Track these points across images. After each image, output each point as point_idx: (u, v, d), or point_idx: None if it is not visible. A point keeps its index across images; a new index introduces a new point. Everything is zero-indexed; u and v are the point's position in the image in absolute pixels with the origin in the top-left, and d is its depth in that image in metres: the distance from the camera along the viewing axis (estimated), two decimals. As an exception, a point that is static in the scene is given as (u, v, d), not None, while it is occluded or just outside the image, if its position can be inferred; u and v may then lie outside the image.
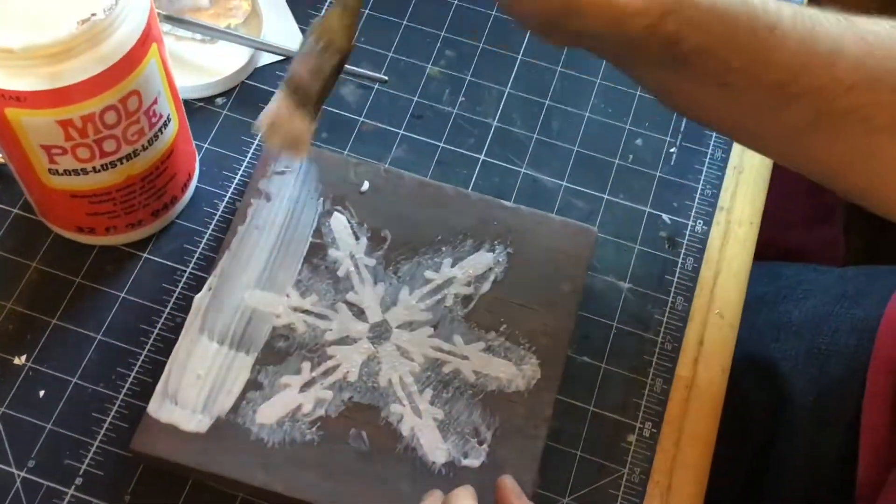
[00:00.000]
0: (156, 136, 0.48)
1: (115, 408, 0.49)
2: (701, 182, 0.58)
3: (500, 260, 0.53)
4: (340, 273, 0.52)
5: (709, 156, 0.59)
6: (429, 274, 0.52)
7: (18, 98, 0.42)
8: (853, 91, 0.39)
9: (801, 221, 0.77)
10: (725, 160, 0.58)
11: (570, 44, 0.42)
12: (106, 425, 0.49)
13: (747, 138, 0.46)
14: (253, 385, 0.49)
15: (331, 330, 0.50)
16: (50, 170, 0.47)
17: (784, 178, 0.60)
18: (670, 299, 0.54)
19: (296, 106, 0.44)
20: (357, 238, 0.53)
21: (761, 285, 0.62)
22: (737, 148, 0.59)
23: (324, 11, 0.45)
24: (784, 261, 0.69)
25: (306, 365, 0.49)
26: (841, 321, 0.58)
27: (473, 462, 0.48)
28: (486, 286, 0.52)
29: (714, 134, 0.59)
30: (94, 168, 0.47)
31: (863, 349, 0.56)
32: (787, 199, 0.68)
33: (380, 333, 0.51)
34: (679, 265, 0.55)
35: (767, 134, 0.44)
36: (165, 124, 0.49)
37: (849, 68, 0.39)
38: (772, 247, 0.62)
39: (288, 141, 0.45)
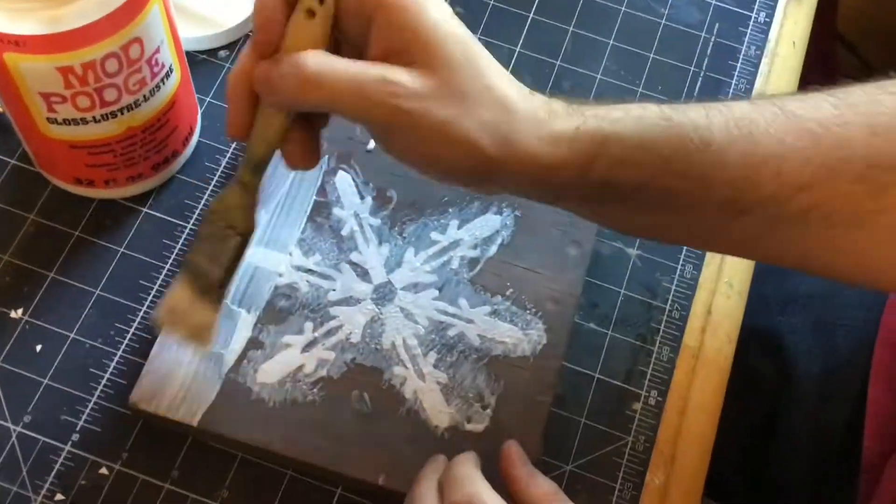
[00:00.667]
0: (157, 87, 0.47)
1: (114, 364, 0.49)
2: (713, 148, 0.57)
3: (508, 223, 0.52)
4: (344, 232, 0.51)
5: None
6: (435, 235, 0.51)
7: (17, 42, 0.41)
8: (806, 191, 0.36)
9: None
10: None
11: (501, 193, 0.41)
12: (104, 381, 0.48)
13: (702, 246, 0.45)
14: (254, 344, 0.48)
15: (334, 290, 0.50)
16: (49, 119, 0.46)
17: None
18: (679, 267, 0.53)
19: (197, 293, 0.42)
20: (362, 197, 0.52)
21: (769, 256, 0.61)
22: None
23: (222, 190, 0.43)
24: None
25: (308, 325, 0.49)
26: (849, 294, 0.57)
27: (477, 427, 0.47)
28: (492, 249, 0.51)
29: (729, 98, 0.58)
30: (94, 118, 0.46)
31: (870, 323, 0.55)
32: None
33: (384, 295, 0.50)
34: (689, 233, 0.54)
35: (722, 244, 0.42)
36: (168, 75, 0.48)
37: (797, 169, 0.36)
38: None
39: (190, 331, 0.43)
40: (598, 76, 0.58)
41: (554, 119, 0.38)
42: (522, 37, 0.59)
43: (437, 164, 0.38)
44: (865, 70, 1.15)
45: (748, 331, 0.53)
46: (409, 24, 0.36)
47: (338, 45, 0.39)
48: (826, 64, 0.95)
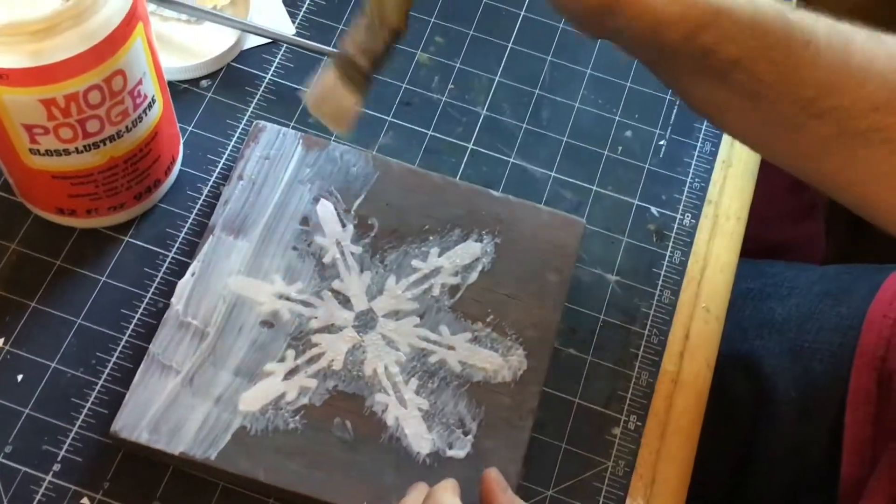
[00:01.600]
0: (140, 118, 0.48)
1: (95, 393, 0.49)
2: (690, 175, 0.58)
3: (488, 250, 0.52)
4: (326, 260, 0.51)
5: (698, 149, 0.58)
6: (416, 263, 0.52)
7: (0, 75, 0.41)
8: (879, 111, 0.40)
9: (785, 217, 0.77)
10: (714, 153, 0.58)
11: (607, 38, 0.43)
12: (85, 411, 0.48)
13: (766, 149, 0.46)
14: (236, 372, 0.48)
15: (316, 318, 0.50)
16: (31, 150, 0.46)
17: (768, 174, 0.60)
18: (657, 292, 0.54)
19: (345, 81, 0.44)
20: (343, 225, 0.52)
21: (746, 282, 0.62)
22: (726, 141, 0.59)
23: None
24: (767, 256, 0.69)
25: (290, 353, 0.49)
26: (825, 319, 0.58)
27: (458, 453, 0.47)
28: (473, 276, 0.52)
29: (703, 127, 0.59)
30: (76, 149, 0.46)
31: (846, 347, 0.56)
32: (771, 196, 0.68)
33: (365, 322, 0.50)
34: (667, 258, 0.55)
35: (788, 145, 0.43)
36: (150, 105, 0.48)
37: (877, 88, 0.40)
38: (755, 242, 0.62)
39: (333, 114, 0.45)
40: (577, 105, 0.59)
41: None
42: (502, 66, 0.60)
43: None
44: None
45: (725, 356, 0.54)
46: None
47: None
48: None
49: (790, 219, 0.78)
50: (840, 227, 0.94)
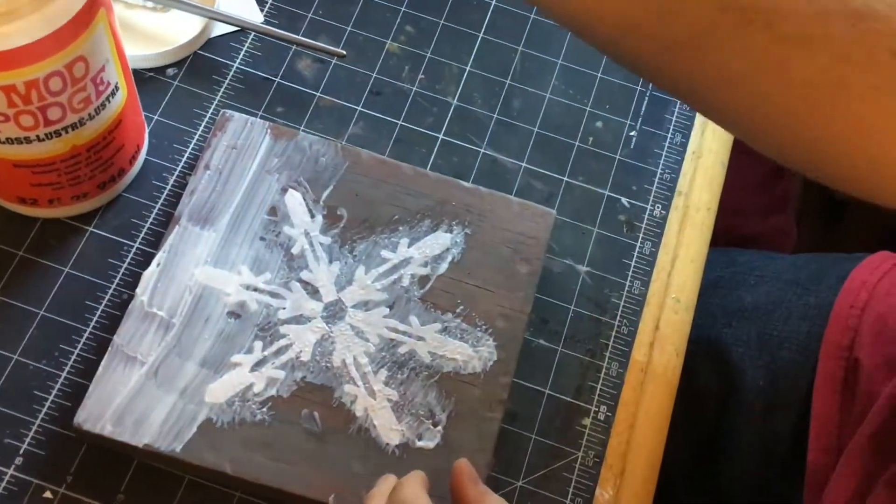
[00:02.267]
0: (103, 105, 0.47)
1: (58, 386, 0.48)
2: (660, 166, 0.58)
3: (458, 241, 0.52)
4: (295, 251, 0.51)
5: (668, 140, 0.58)
6: (385, 253, 0.51)
7: (-43, 60, 0.40)
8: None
9: (756, 211, 0.78)
10: (685, 145, 0.58)
11: None
12: (48, 403, 0.47)
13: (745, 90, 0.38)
14: (202, 364, 0.47)
15: (284, 308, 0.49)
16: (-9, 137, 0.45)
17: (740, 167, 0.60)
18: (627, 283, 0.54)
19: None
20: (312, 215, 0.52)
21: (715, 270, 0.62)
22: (696, 133, 0.59)
23: None
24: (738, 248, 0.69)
25: (258, 344, 0.48)
26: (793, 307, 0.59)
27: (428, 444, 0.47)
28: (443, 267, 0.51)
29: (674, 119, 0.59)
30: (37, 137, 0.45)
31: (814, 335, 0.57)
32: (742, 189, 0.68)
33: (334, 313, 0.50)
34: (637, 249, 0.55)
35: (770, 84, 0.36)
36: (113, 93, 0.47)
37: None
38: (725, 234, 0.62)
39: None
40: (548, 95, 0.59)
41: None
42: (472, 56, 0.59)
43: None
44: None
45: (694, 344, 0.54)
46: None
47: None
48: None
49: (761, 212, 0.78)
50: (811, 221, 0.95)
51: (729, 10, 0.35)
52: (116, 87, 0.47)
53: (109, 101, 0.47)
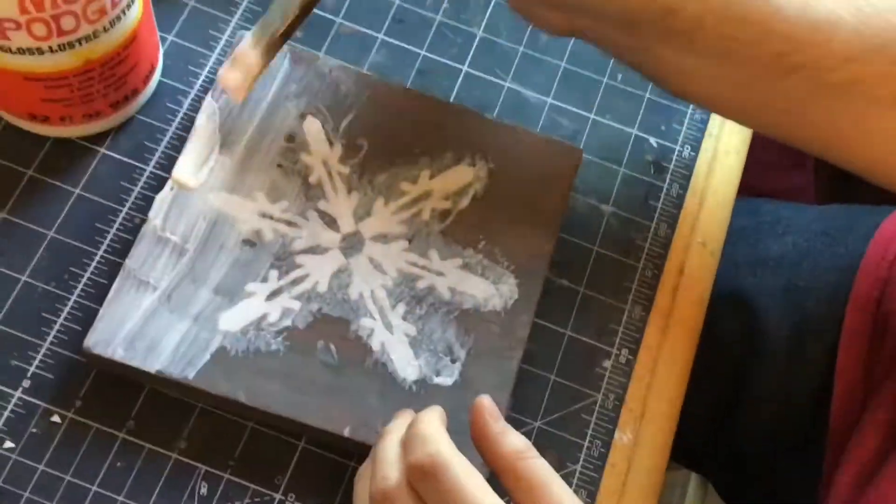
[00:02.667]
0: (118, 18, 0.45)
1: (68, 309, 0.46)
2: (690, 106, 0.56)
3: (481, 175, 0.50)
4: (312, 180, 0.49)
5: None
6: (405, 186, 0.50)
7: (-32, -40, 0.38)
8: (852, 63, 0.39)
9: (774, 167, 0.76)
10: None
11: (568, 27, 0.43)
12: (57, 326, 0.46)
13: (743, 114, 0.46)
14: (216, 290, 0.46)
15: (300, 238, 0.48)
16: (2, 47, 0.43)
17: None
18: (653, 225, 0.53)
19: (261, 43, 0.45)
20: (331, 144, 0.50)
21: (740, 219, 0.60)
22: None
23: None
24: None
25: (273, 273, 0.47)
26: (821, 258, 0.57)
27: (445, 380, 0.46)
28: (465, 201, 0.50)
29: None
30: (50, 48, 0.43)
31: (842, 287, 0.55)
32: (762, 146, 0.67)
33: (352, 244, 0.48)
34: (664, 191, 0.53)
35: (765, 107, 0.43)
36: (129, 6, 0.45)
37: (846, 39, 0.39)
38: (743, 190, 0.60)
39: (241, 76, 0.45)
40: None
41: None
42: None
43: None
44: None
45: (718, 293, 0.53)
46: None
47: None
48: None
49: (780, 168, 0.77)
50: (829, 179, 0.93)
51: None
52: (132, 1, 0.45)
53: (125, 15, 0.45)
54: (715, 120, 0.56)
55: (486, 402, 0.41)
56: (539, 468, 0.38)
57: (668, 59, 0.42)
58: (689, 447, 0.58)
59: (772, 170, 0.76)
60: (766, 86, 0.41)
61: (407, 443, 0.39)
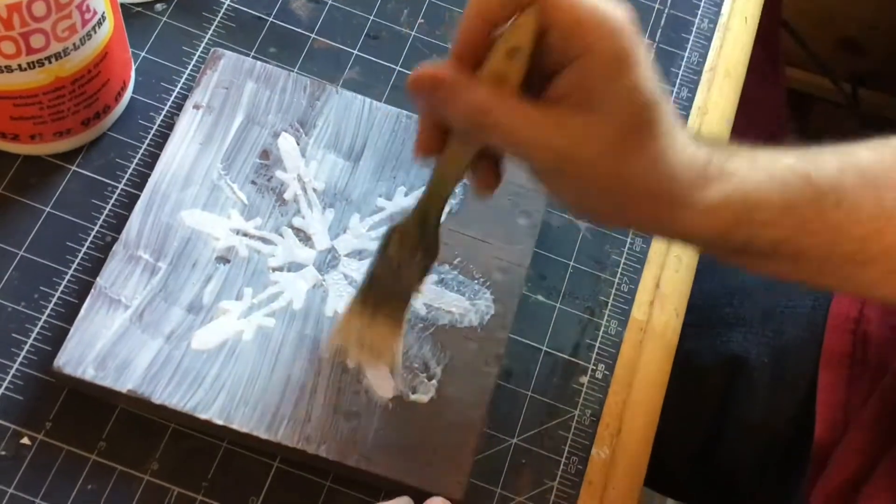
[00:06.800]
0: (88, 35, 0.44)
1: (38, 329, 0.46)
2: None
3: (456, 191, 0.50)
4: (287, 196, 0.49)
5: (673, 95, 0.57)
6: (380, 202, 0.50)
7: (-66, -23, 0.38)
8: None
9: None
10: (691, 100, 0.57)
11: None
12: (27, 347, 0.45)
13: (827, 289, 0.48)
14: (189, 309, 0.45)
15: (274, 255, 0.47)
16: (-31, 65, 0.43)
17: (738, 131, 0.58)
18: (629, 240, 0.53)
19: (377, 308, 0.42)
20: (306, 161, 0.50)
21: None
22: (702, 89, 0.57)
23: (402, 220, 0.42)
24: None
25: (248, 290, 0.46)
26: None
27: (422, 398, 0.45)
28: (440, 217, 0.50)
29: (679, 74, 0.57)
30: (19, 66, 0.43)
31: (819, 309, 0.55)
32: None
33: (327, 261, 0.48)
34: (639, 205, 0.53)
35: (848, 288, 0.44)
36: (100, 23, 0.45)
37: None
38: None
39: (370, 350, 0.42)
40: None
41: (707, 187, 0.38)
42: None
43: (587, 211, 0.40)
44: (808, 57, 1.17)
45: (696, 321, 0.53)
46: (602, 74, 0.36)
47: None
48: (769, 49, 0.96)
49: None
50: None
51: None
52: (103, 17, 0.45)
53: (95, 32, 0.45)
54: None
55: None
56: None
57: (746, 263, 0.41)
58: (672, 478, 0.58)
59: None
60: (846, 275, 0.40)
61: None
